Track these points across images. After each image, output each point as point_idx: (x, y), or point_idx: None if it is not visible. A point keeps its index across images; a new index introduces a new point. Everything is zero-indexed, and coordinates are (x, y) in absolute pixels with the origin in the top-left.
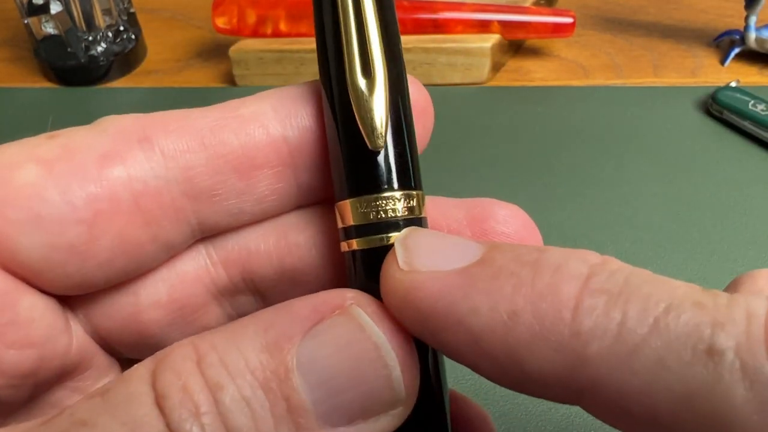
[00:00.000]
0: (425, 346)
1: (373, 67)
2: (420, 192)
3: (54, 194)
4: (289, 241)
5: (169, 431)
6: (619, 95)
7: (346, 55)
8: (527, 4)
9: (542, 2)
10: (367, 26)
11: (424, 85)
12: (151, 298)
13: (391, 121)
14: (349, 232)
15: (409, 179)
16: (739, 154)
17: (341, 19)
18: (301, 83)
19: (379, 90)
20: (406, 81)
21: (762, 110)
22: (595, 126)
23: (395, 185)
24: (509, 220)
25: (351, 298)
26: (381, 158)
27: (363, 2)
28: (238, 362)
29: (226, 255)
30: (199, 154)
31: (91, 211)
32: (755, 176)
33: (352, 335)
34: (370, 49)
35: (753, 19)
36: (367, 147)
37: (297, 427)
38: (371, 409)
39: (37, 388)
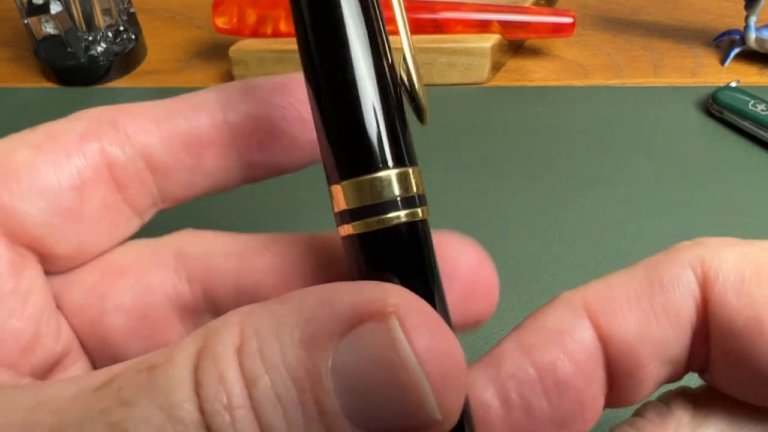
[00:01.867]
0: None
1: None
2: (415, 168)
3: (47, 167)
4: (249, 264)
5: (203, 421)
6: (619, 95)
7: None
8: (527, 4)
9: (542, 2)
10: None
11: (424, 85)
12: (116, 302)
13: (381, 98)
14: (345, 216)
15: (402, 155)
16: (739, 154)
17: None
18: (250, 79)
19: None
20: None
21: (762, 110)
22: (595, 126)
23: (390, 163)
24: (462, 255)
25: (393, 305)
26: (372, 136)
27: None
28: (275, 356)
29: (190, 270)
30: (155, 134)
31: (80, 179)
32: (755, 176)
33: (386, 350)
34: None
35: (753, 19)
36: (361, 126)
37: (326, 429)
38: (405, 428)
39: (33, 375)
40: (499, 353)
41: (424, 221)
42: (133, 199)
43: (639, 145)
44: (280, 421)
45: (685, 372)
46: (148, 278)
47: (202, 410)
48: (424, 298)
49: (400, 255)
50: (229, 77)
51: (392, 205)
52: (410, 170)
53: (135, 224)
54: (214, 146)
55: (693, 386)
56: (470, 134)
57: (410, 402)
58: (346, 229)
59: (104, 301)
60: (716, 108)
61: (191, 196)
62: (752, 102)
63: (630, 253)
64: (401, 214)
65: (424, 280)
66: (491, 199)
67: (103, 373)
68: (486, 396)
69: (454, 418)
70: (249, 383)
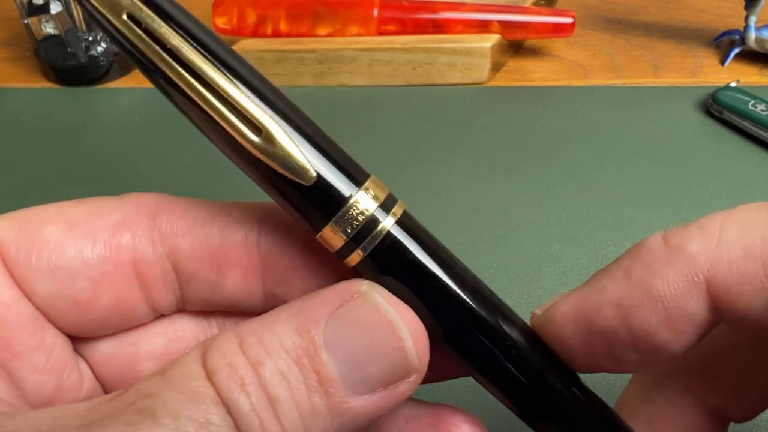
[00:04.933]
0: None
1: (258, 121)
2: (369, 177)
3: (72, 251)
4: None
5: (220, 399)
6: (619, 95)
7: (228, 129)
8: (527, 4)
9: (542, 2)
10: (219, 85)
11: (424, 85)
12: (148, 349)
13: (307, 150)
14: (343, 252)
15: (354, 178)
16: (739, 154)
17: (189, 95)
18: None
19: (280, 135)
20: (284, 102)
21: (762, 110)
22: (595, 126)
23: (348, 192)
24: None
25: (366, 284)
26: (321, 184)
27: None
28: (274, 343)
29: (217, 317)
30: (187, 239)
31: (99, 270)
32: (755, 176)
33: (370, 315)
34: (243, 107)
35: (753, 19)
36: (305, 185)
37: (328, 396)
38: (390, 378)
39: None
40: (596, 301)
41: (404, 215)
42: (154, 298)
43: (639, 145)
44: (285, 392)
45: None
46: (179, 324)
47: (218, 392)
48: (451, 262)
49: (405, 252)
50: None
51: (373, 222)
52: (367, 184)
53: (151, 317)
54: (238, 266)
55: None
56: (470, 134)
57: (396, 355)
58: (350, 261)
59: (137, 348)
60: (716, 108)
61: (212, 309)
62: (752, 102)
63: None
64: (386, 223)
65: (442, 257)
66: (491, 199)
67: (113, 392)
68: (570, 339)
69: (425, 368)
70: (255, 366)
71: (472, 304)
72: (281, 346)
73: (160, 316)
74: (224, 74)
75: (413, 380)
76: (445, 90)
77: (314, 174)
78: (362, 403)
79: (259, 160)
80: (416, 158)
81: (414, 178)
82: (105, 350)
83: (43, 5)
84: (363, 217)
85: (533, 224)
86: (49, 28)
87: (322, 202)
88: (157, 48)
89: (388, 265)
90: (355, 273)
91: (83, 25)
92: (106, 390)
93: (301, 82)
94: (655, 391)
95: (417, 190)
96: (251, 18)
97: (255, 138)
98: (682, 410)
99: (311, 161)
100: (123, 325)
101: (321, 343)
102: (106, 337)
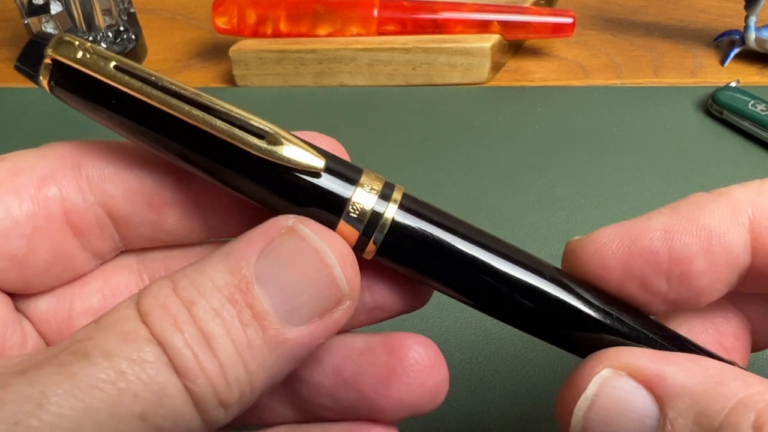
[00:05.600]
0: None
1: (259, 128)
2: (363, 171)
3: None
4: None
5: (153, 338)
6: (619, 95)
7: (235, 141)
8: (527, 4)
9: (542, 2)
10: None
11: (424, 85)
12: (84, 305)
13: (309, 144)
14: (360, 244)
15: (347, 177)
16: (739, 154)
17: (186, 116)
18: None
19: (282, 135)
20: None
21: (762, 110)
22: (595, 126)
23: (347, 191)
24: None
25: (293, 218)
26: (329, 173)
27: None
28: (206, 283)
29: (152, 273)
30: (118, 185)
31: (30, 227)
32: (755, 176)
33: (298, 246)
34: (240, 115)
35: (753, 19)
36: (317, 175)
37: (263, 329)
38: (323, 306)
39: None
40: (643, 226)
41: (405, 198)
42: (91, 245)
43: (639, 145)
44: (220, 328)
45: None
46: (113, 280)
47: (151, 331)
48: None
49: (415, 234)
50: (229, 77)
51: (377, 214)
52: (363, 177)
53: (93, 264)
54: (176, 205)
55: None
56: (470, 134)
57: (325, 283)
58: (370, 252)
59: (73, 305)
60: (716, 108)
61: (154, 247)
62: (752, 102)
63: None
64: (389, 209)
65: (448, 225)
66: (491, 199)
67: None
68: (609, 259)
69: (356, 293)
70: (188, 305)
71: (495, 265)
72: (213, 286)
73: (103, 262)
74: (210, 100)
75: (347, 307)
76: (445, 90)
77: (323, 161)
78: (298, 334)
79: (271, 162)
80: (416, 158)
81: (414, 178)
82: (44, 307)
83: (43, 5)
84: (366, 211)
85: (533, 224)
86: (49, 29)
87: (331, 196)
88: (154, 91)
89: (405, 250)
90: (377, 265)
91: (83, 25)
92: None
93: (301, 82)
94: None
95: (417, 190)
96: (251, 18)
97: (262, 143)
98: (719, 316)
99: (318, 151)
100: (66, 276)
101: (252, 279)
102: (45, 293)
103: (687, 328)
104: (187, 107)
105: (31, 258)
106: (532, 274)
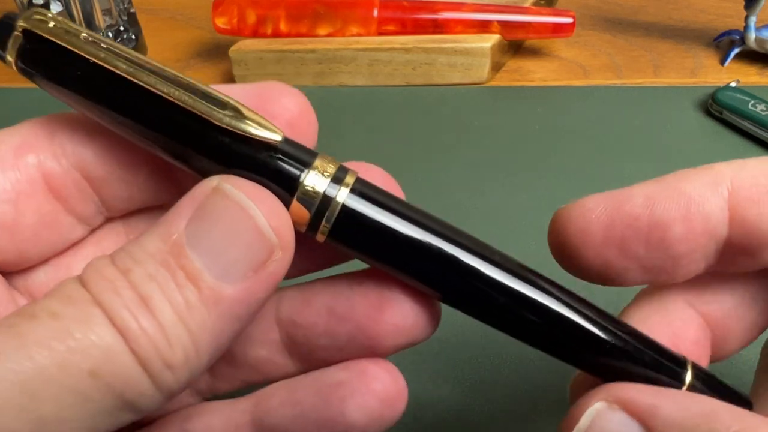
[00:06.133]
0: None
1: (221, 101)
2: (318, 154)
3: None
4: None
5: (94, 300)
6: (618, 95)
7: (199, 112)
8: (527, 4)
9: (542, 2)
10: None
11: (424, 85)
12: (76, 273)
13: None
14: (313, 226)
15: (308, 154)
16: (739, 154)
17: (154, 88)
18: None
19: (242, 106)
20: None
21: (762, 110)
22: (595, 126)
23: (298, 172)
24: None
25: (217, 178)
26: (284, 155)
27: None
28: (140, 252)
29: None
30: (89, 147)
31: (14, 191)
32: None
33: (223, 204)
34: (204, 87)
35: (753, 19)
36: (277, 146)
37: (198, 289)
38: (256, 260)
39: None
40: (627, 193)
41: (357, 181)
42: (74, 209)
43: (639, 145)
44: (156, 291)
45: None
46: (103, 246)
47: (91, 294)
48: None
49: (366, 218)
50: (229, 77)
51: (328, 199)
52: (318, 161)
53: (80, 230)
54: (147, 164)
55: None
56: (470, 134)
57: (252, 235)
58: (322, 235)
59: (69, 273)
60: (716, 108)
61: (133, 208)
62: (752, 102)
63: None
64: (340, 193)
65: (399, 209)
66: (491, 199)
67: None
68: (592, 223)
69: (288, 241)
70: (124, 273)
71: (449, 252)
72: (147, 254)
73: (92, 230)
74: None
75: (281, 257)
76: (445, 90)
77: (281, 135)
78: (234, 290)
79: (233, 131)
80: (416, 158)
81: (414, 178)
82: (42, 278)
83: (43, 5)
84: (318, 193)
85: (533, 224)
86: None
87: (285, 173)
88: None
89: (356, 234)
90: (330, 248)
91: (83, 25)
92: None
93: (301, 82)
94: (658, 296)
95: (417, 190)
96: (251, 18)
97: (225, 113)
98: (677, 316)
99: (276, 128)
100: (57, 243)
101: (183, 242)
102: (41, 265)
103: (647, 327)
104: (153, 78)
105: (20, 223)
106: (488, 264)
